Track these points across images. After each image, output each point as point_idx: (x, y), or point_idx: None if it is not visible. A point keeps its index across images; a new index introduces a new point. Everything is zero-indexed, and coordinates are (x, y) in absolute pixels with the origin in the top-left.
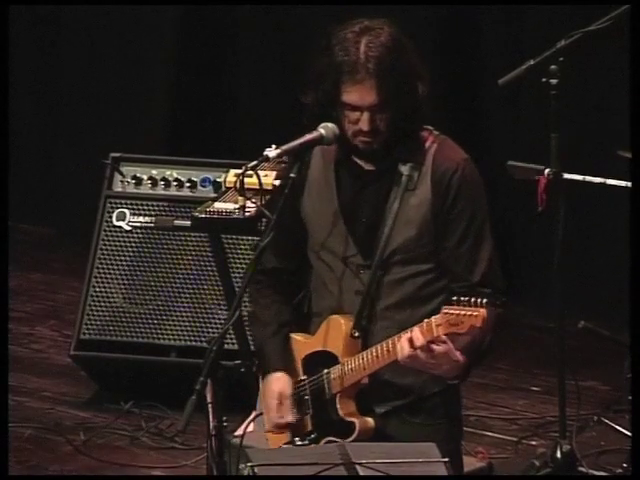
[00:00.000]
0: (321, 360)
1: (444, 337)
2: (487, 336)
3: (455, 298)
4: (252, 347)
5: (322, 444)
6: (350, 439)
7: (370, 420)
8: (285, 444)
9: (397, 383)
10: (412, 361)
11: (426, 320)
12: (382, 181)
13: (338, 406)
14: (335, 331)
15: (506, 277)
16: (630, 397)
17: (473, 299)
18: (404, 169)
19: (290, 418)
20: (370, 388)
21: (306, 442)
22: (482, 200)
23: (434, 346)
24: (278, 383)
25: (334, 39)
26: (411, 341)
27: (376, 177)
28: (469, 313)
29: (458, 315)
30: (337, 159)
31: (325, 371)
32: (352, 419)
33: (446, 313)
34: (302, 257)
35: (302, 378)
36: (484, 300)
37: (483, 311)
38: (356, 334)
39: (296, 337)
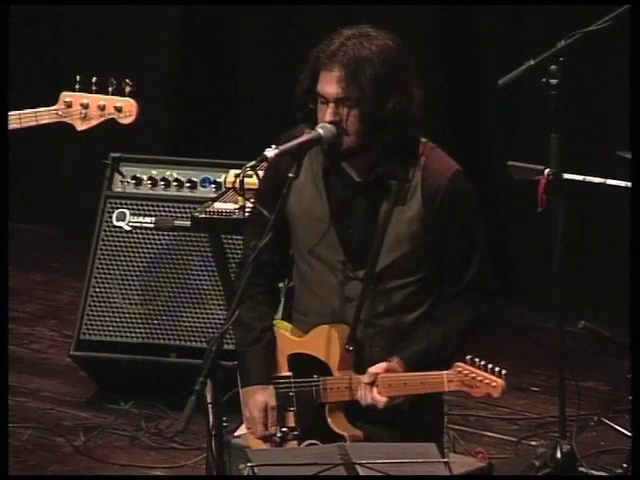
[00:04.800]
0: (309, 362)
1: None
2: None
3: (469, 357)
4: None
5: (304, 445)
6: None
7: (359, 433)
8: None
9: None
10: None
11: (437, 372)
12: (371, 193)
13: (327, 416)
14: (328, 341)
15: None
16: (630, 397)
17: (490, 365)
18: (393, 183)
19: (275, 430)
20: None
21: (288, 436)
22: (474, 211)
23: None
24: (263, 395)
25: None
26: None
27: (365, 189)
28: (487, 381)
29: (474, 378)
30: (325, 166)
31: (315, 377)
32: (342, 433)
33: (460, 372)
34: (287, 251)
35: (287, 374)
36: (503, 371)
37: (501, 382)
38: (350, 348)
39: (284, 333)
